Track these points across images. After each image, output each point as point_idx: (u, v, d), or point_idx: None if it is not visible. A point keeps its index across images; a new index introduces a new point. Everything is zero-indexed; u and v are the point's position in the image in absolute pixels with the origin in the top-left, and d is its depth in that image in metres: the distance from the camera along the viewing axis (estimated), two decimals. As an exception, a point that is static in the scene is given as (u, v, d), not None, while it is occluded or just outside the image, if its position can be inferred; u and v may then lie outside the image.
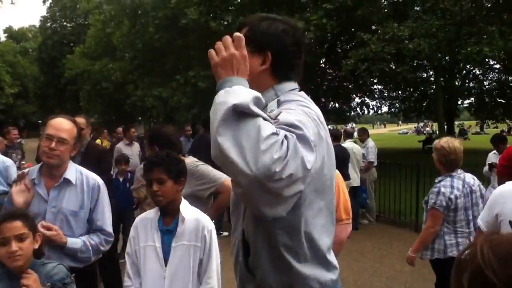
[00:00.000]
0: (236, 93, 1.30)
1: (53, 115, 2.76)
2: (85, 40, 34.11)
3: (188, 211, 2.57)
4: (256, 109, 1.27)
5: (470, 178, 3.90)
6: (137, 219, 2.70)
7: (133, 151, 8.58)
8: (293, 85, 1.65)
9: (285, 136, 1.25)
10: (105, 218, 2.80)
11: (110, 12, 23.65)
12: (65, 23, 44.24)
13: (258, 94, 1.34)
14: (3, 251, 2.12)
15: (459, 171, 3.87)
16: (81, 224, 2.68)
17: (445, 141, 3.90)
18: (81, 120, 4.58)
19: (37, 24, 49.13)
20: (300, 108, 1.48)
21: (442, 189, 3.76)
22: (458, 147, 3.84)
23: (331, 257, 1.62)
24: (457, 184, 3.78)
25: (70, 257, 2.60)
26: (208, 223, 2.58)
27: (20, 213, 2.24)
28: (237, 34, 1.47)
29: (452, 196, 3.72)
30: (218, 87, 1.37)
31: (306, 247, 1.52)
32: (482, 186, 3.99)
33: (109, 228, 2.81)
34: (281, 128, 1.29)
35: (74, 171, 2.73)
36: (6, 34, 53.65)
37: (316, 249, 1.55)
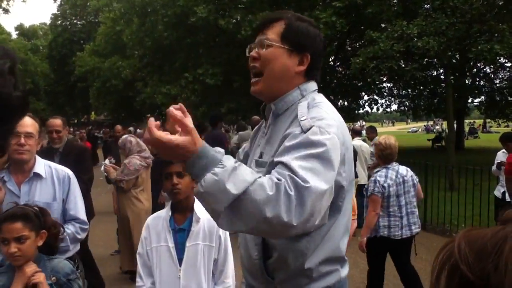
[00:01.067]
0: (215, 195, 1.23)
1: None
2: (95, 38, 34.32)
3: (203, 211, 2.52)
4: (241, 185, 1.21)
5: (403, 169, 4.56)
6: (149, 219, 2.69)
7: None
8: (315, 85, 1.69)
9: (283, 186, 1.23)
10: (78, 207, 2.88)
11: (120, 10, 23.77)
12: (75, 21, 44.51)
13: (229, 162, 1.26)
14: (4, 249, 2.17)
15: (394, 163, 4.54)
16: (55, 216, 2.69)
17: (382, 138, 4.60)
18: (57, 121, 4.60)
19: (48, 21, 49.52)
20: (329, 117, 1.49)
21: (378, 178, 4.43)
22: (393, 143, 4.49)
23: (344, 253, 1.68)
24: (391, 174, 4.44)
25: None
26: None
27: (22, 213, 2.23)
28: (150, 120, 1.29)
29: (386, 185, 4.38)
30: (194, 169, 1.27)
31: (329, 249, 1.57)
32: (415, 177, 4.64)
33: (83, 216, 2.89)
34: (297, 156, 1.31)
35: (42, 165, 2.82)
36: (17, 32, 54.09)
37: (337, 250, 1.60)
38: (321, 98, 1.61)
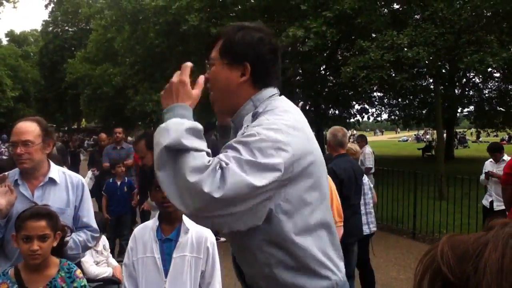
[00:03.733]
0: (168, 131, 1.32)
1: (17, 120, 2.76)
2: (86, 45, 34.25)
3: (191, 222, 2.51)
4: (188, 142, 1.30)
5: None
6: (136, 229, 2.67)
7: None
8: (272, 91, 1.61)
9: (220, 165, 1.28)
10: (90, 214, 2.83)
11: (111, 17, 23.74)
12: (66, 28, 44.40)
13: (194, 124, 1.37)
14: (25, 247, 2.21)
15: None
16: (68, 222, 2.67)
17: (351, 144, 5.59)
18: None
19: (39, 28, 49.35)
20: (274, 119, 1.43)
21: None
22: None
23: (330, 261, 1.53)
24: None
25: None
26: (211, 235, 2.54)
27: (46, 212, 2.30)
28: (185, 63, 1.52)
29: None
30: (162, 118, 1.41)
31: (296, 257, 1.46)
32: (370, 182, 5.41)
33: (94, 224, 2.84)
34: (225, 151, 1.33)
35: (56, 170, 2.76)
36: (7, 38, 53.80)
37: (309, 258, 1.47)
38: (276, 103, 1.55)
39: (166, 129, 1.33)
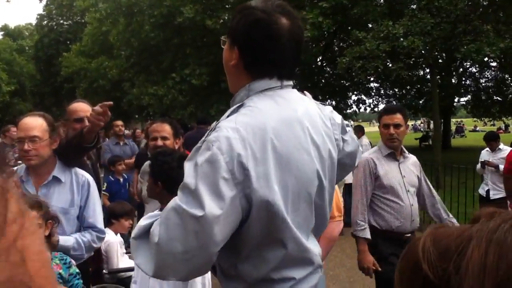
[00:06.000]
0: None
1: (22, 116, 2.70)
2: (81, 38, 34.04)
3: None
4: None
5: None
6: (142, 219, 2.68)
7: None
8: (270, 83, 1.47)
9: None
10: (96, 214, 2.75)
11: (105, 10, 23.59)
12: (61, 21, 44.05)
13: None
14: None
15: None
16: (71, 222, 2.65)
17: None
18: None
19: (34, 22, 49.00)
20: (232, 126, 1.34)
21: None
22: None
23: (287, 272, 1.45)
24: None
25: None
26: None
27: (35, 202, 2.27)
28: None
29: None
30: None
31: (248, 270, 1.43)
32: None
33: (100, 225, 2.77)
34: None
35: (62, 169, 2.69)
36: (2, 32, 53.46)
37: (264, 271, 1.42)
38: (261, 99, 1.44)
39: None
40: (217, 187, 1.27)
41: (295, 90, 1.57)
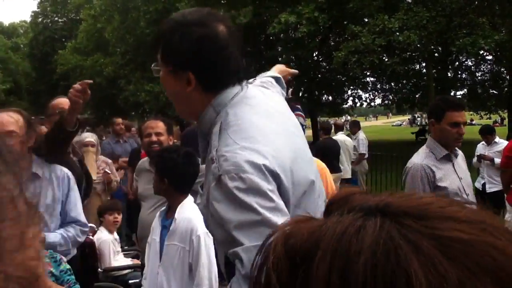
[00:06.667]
0: None
1: None
2: (76, 35, 33.91)
3: (184, 210, 2.48)
4: None
5: None
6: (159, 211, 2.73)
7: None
8: (233, 90, 1.42)
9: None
10: (78, 208, 2.69)
11: (100, 7, 23.50)
12: (56, 18, 43.83)
13: None
14: None
15: None
16: (54, 218, 2.58)
17: None
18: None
19: (28, 19, 48.75)
20: (238, 147, 1.29)
21: None
22: None
23: None
24: None
25: None
26: (199, 227, 2.41)
27: None
28: None
29: None
30: None
31: None
32: None
33: (83, 218, 2.72)
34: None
35: (38, 164, 2.59)
36: (-3, 30, 53.20)
37: None
38: (237, 108, 1.39)
39: None
40: (273, 201, 1.24)
41: (250, 86, 1.53)
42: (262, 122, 1.38)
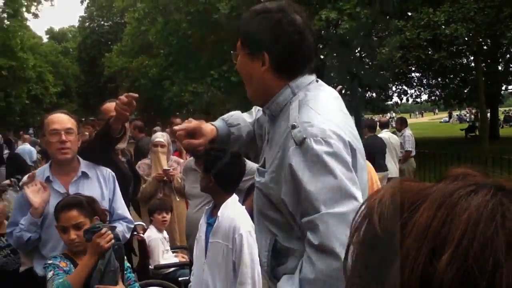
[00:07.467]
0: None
1: (47, 113, 2.75)
2: (122, 38, 34.82)
3: (228, 208, 2.50)
4: None
5: None
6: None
7: None
8: (309, 78, 1.51)
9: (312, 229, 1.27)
10: (123, 206, 2.84)
11: (144, 10, 24.01)
12: (102, 22, 45.26)
13: None
14: (64, 237, 2.33)
15: None
16: None
17: None
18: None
19: (76, 24, 50.53)
20: (321, 119, 1.36)
21: None
22: None
23: None
24: None
25: None
26: (242, 226, 2.44)
27: (75, 201, 2.37)
28: None
29: None
30: None
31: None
32: None
33: (129, 215, 2.86)
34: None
35: (86, 164, 2.72)
36: (47, 35, 55.38)
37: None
38: (314, 91, 1.47)
39: None
40: (352, 172, 1.32)
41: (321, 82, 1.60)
42: (338, 107, 1.50)
